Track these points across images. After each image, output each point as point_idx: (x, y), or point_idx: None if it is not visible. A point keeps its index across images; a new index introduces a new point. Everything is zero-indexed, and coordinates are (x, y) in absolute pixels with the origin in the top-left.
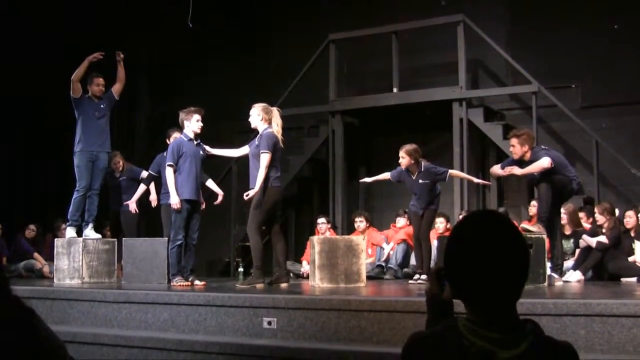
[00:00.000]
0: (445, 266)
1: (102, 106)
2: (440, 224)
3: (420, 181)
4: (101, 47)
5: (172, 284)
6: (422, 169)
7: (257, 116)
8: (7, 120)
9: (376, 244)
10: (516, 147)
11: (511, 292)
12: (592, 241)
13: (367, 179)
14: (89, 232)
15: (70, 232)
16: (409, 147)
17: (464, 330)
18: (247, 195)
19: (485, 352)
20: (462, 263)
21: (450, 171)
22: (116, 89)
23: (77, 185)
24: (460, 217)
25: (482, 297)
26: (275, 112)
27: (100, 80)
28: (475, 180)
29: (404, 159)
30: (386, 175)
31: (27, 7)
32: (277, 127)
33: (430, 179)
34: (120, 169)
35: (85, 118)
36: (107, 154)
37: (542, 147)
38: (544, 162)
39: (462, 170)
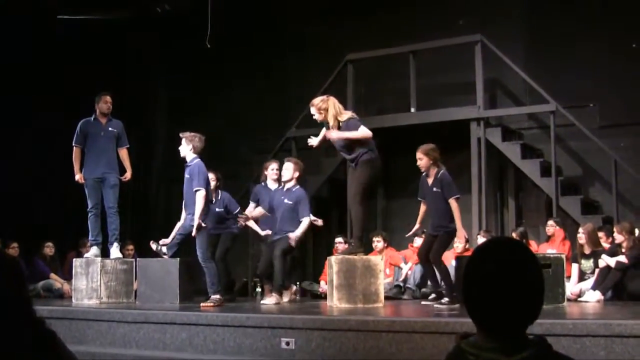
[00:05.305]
0: (462, 289)
1: (109, 129)
2: (458, 243)
3: (434, 189)
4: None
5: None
6: (439, 175)
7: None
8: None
9: (394, 264)
10: (423, 160)
11: (526, 317)
12: (612, 261)
13: (417, 225)
14: (114, 252)
15: (92, 251)
16: (425, 146)
17: (467, 347)
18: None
19: None
20: (479, 288)
21: (453, 203)
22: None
23: (88, 206)
24: (479, 237)
25: (497, 321)
26: None
27: (108, 99)
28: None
29: (422, 160)
30: (422, 207)
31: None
32: None
33: (442, 190)
34: None
35: (90, 140)
36: (115, 175)
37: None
38: None
39: (479, 189)
